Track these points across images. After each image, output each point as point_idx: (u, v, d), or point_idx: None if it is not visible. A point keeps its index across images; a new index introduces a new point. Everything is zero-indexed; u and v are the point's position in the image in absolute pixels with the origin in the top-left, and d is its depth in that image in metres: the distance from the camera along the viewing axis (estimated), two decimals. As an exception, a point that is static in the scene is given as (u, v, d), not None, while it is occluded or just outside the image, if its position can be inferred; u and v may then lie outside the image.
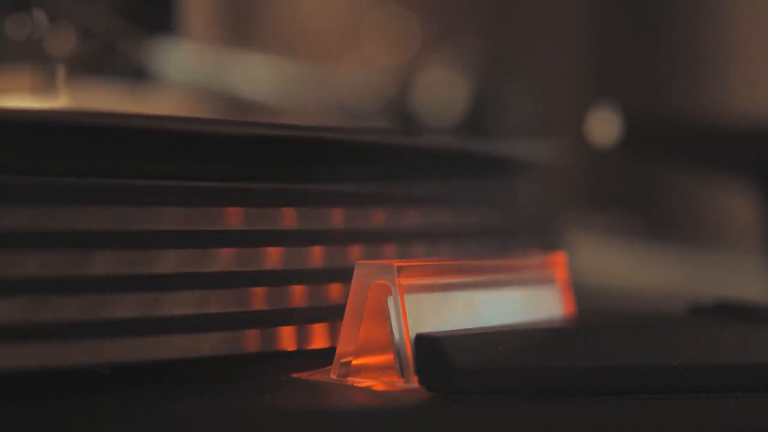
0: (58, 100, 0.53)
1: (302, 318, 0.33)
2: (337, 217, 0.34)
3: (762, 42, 1.09)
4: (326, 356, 0.33)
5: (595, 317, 0.38)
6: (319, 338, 0.33)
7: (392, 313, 0.31)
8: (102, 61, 0.57)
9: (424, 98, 0.69)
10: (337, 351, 0.33)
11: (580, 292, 0.39)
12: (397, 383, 0.31)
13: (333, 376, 0.33)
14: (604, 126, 0.52)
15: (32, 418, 0.28)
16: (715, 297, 0.40)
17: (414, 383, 0.31)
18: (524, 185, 0.45)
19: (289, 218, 0.33)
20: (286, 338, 0.33)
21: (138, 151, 0.30)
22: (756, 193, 0.55)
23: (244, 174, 0.32)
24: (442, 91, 0.69)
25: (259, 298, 0.32)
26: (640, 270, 0.73)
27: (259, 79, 0.66)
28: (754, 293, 0.56)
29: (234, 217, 0.32)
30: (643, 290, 0.66)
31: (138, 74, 0.59)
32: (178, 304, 0.31)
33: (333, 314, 0.33)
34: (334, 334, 0.33)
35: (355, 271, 0.32)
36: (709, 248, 0.81)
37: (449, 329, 0.32)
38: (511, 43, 1.15)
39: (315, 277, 0.33)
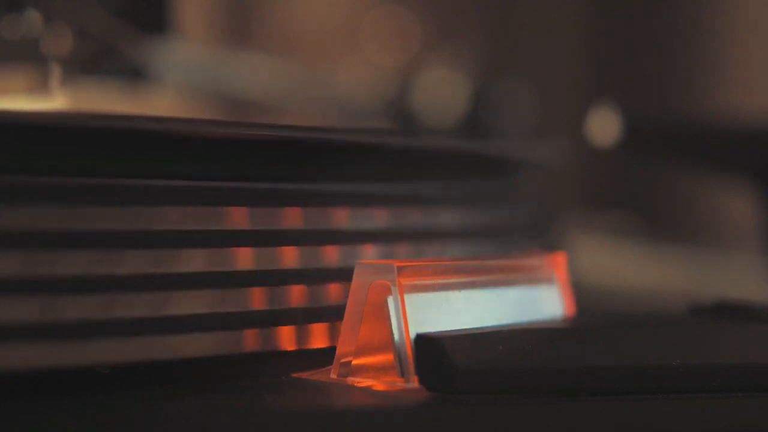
0: (55, 101, 0.53)
1: (302, 318, 0.33)
2: (336, 218, 0.34)
3: (762, 42, 1.09)
4: (326, 356, 0.33)
5: (595, 317, 0.38)
6: (319, 338, 0.33)
7: (392, 313, 0.31)
8: (98, 61, 0.57)
9: (424, 98, 0.68)
10: (337, 351, 0.32)
11: (580, 292, 0.39)
12: (397, 383, 0.31)
13: (333, 376, 0.32)
14: (604, 126, 0.52)
15: (32, 418, 0.28)
16: (715, 297, 0.40)
17: (414, 383, 0.31)
18: (524, 185, 0.45)
19: (289, 218, 0.33)
20: (286, 338, 0.33)
21: (138, 151, 0.30)
22: (756, 193, 0.55)
23: (245, 174, 0.32)
24: (442, 91, 0.69)
25: (259, 298, 0.32)
26: (640, 270, 0.73)
27: (259, 79, 0.66)
28: (754, 293, 0.56)
29: (234, 218, 0.32)
30: (643, 290, 0.66)
31: (135, 74, 0.59)
32: (178, 305, 0.31)
33: (333, 314, 0.33)
34: (334, 334, 0.33)
35: (355, 271, 0.32)
36: (709, 248, 0.81)
37: (449, 329, 0.32)
38: (511, 43, 1.15)
39: (315, 277, 0.33)
